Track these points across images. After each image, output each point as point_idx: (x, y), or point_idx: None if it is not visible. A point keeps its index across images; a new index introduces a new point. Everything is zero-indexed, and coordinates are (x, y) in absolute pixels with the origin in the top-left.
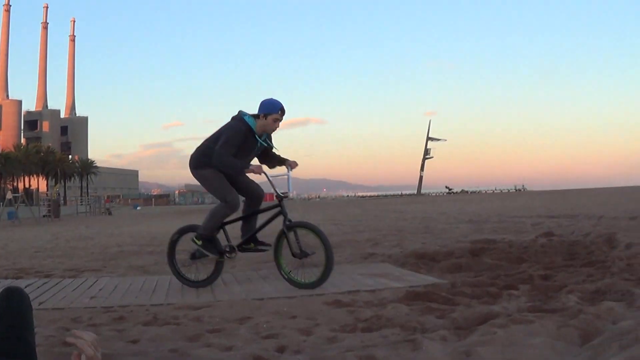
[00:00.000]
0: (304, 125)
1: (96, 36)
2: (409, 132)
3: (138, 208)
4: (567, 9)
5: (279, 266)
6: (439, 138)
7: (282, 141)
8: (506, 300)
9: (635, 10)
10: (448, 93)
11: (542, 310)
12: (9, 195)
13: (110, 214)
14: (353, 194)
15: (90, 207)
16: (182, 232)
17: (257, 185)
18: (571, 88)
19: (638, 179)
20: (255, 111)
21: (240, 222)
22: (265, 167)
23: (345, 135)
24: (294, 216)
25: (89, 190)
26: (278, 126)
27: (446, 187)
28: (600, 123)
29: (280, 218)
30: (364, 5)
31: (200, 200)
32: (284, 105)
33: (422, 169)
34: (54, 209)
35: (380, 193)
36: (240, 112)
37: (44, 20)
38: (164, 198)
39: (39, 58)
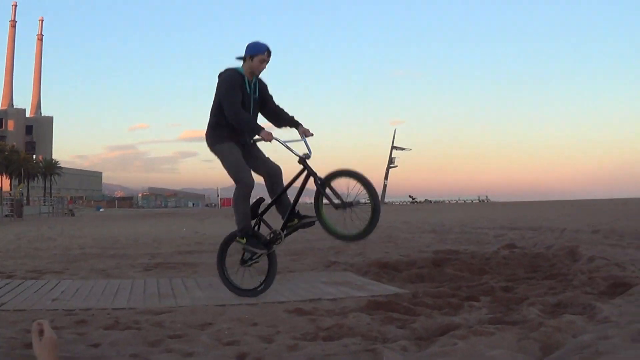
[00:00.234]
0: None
1: (64, 36)
2: (374, 141)
3: (101, 210)
4: (535, 21)
5: (326, 227)
6: (404, 147)
7: None
8: (467, 312)
9: (599, 24)
10: (414, 102)
11: (503, 322)
12: None
13: (73, 215)
14: None
15: (53, 207)
16: (229, 241)
17: (272, 161)
18: (536, 101)
19: (601, 192)
20: None
21: (274, 209)
22: (276, 133)
23: (309, 141)
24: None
25: (52, 191)
26: (264, 67)
27: (410, 196)
28: (565, 136)
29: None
30: (330, 12)
31: (163, 204)
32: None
33: (386, 177)
34: (17, 209)
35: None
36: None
37: (12, 19)
38: (127, 201)
39: (6, 56)
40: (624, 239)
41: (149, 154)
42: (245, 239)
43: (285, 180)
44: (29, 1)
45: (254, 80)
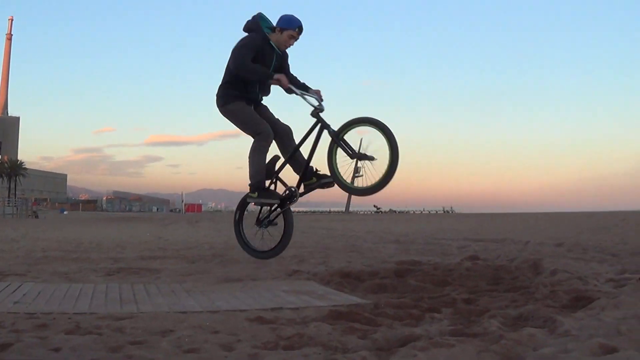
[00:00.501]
0: (235, 137)
1: (34, 37)
2: (341, 150)
3: (65, 212)
4: (500, 34)
5: (338, 181)
6: (370, 157)
7: (214, 152)
8: (428, 323)
9: (565, 34)
10: (380, 112)
11: (464, 334)
12: None
13: (37, 217)
14: None
15: (17, 209)
16: (245, 201)
17: (282, 122)
18: (502, 113)
19: (567, 205)
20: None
21: (289, 167)
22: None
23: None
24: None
25: (16, 192)
26: (292, 44)
27: (374, 206)
28: (529, 148)
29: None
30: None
31: (127, 208)
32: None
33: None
34: None
35: (308, 209)
36: (259, 14)
37: None
38: (92, 204)
39: None
40: (588, 253)
41: (114, 157)
42: (256, 193)
43: (297, 138)
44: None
45: (278, 52)
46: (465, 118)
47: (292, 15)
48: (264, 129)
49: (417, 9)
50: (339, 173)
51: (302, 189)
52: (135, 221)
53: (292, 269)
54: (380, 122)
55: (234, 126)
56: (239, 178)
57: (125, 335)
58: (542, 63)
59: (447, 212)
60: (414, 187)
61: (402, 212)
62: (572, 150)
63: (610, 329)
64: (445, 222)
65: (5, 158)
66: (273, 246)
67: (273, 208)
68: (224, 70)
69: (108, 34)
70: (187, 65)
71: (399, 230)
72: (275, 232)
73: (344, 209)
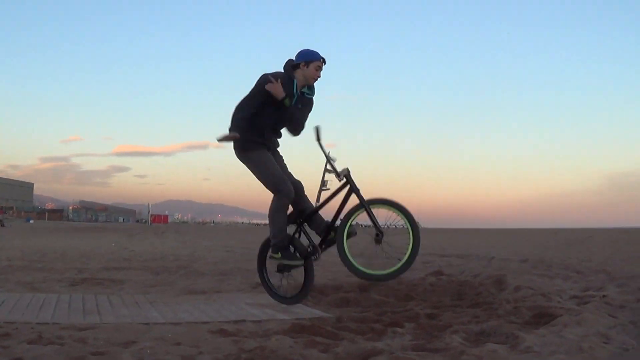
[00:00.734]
0: (203, 149)
1: (1, 44)
2: (307, 162)
3: (31, 221)
4: (470, 46)
5: (343, 255)
6: (335, 170)
7: (181, 163)
8: (390, 338)
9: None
10: (347, 126)
11: (425, 349)
12: None
13: (3, 225)
14: (248, 221)
15: None
16: (265, 247)
17: (293, 176)
18: (468, 129)
19: (532, 221)
20: None
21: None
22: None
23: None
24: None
25: None
26: (320, 76)
27: (341, 219)
28: (496, 165)
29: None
30: (263, 32)
31: (93, 218)
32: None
33: (317, 199)
34: None
35: None
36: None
37: None
38: (58, 213)
39: None
40: (552, 269)
41: (81, 166)
42: (279, 254)
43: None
44: None
45: (304, 89)
46: (431, 133)
47: (311, 49)
48: (286, 187)
49: (385, 23)
50: (348, 253)
51: (323, 247)
52: (101, 231)
53: (257, 282)
54: (410, 214)
55: (203, 139)
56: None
57: (87, 345)
58: (510, 80)
59: None
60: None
61: (367, 226)
62: (538, 167)
63: (572, 346)
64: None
65: None
66: (291, 295)
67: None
68: (238, 105)
69: (78, 43)
70: (157, 76)
71: (364, 245)
72: (297, 274)
73: None
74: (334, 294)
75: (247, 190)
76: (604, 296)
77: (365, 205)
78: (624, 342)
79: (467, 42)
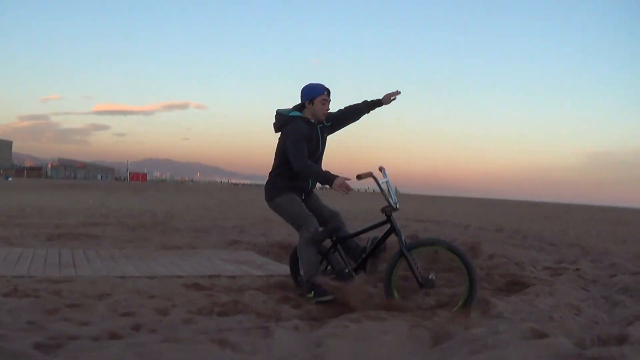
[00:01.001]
0: (183, 109)
1: None
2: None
3: (10, 179)
4: (454, 16)
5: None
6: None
7: (161, 122)
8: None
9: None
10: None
11: (397, 309)
12: None
13: None
14: (226, 181)
15: None
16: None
17: (329, 208)
18: (452, 99)
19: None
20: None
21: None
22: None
23: (224, 122)
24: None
25: None
26: (328, 108)
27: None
28: (481, 135)
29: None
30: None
31: (72, 175)
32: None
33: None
34: None
35: (253, 182)
36: (278, 112)
37: None
38: (37, 171)
39: None
40: (527, 240)
41: (60, 125)
42: (312, 293)
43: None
44: None
45: (320, 126)
46: (415, 101)
47: (310, 83)
48: (307, 221)
49: None
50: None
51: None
52: (80, 189)
53: (233, 239)
54: (461, 252)
55: (183, 98)
56: (185, 149)
57: (62, 298)
58: (495, 52)
59: None
60: (360, 166)
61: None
62: (520, 141)
63: (542, 315)
64: None
65: None
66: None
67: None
68: (273, 163)
69: (58, 0)
70: (138, 34)
71: (342, 207)
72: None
73: None
74: None
75: (226, 151)
76: (577, 269)
77: (406, 253)
78: (595, 316)
79: (452, 14)
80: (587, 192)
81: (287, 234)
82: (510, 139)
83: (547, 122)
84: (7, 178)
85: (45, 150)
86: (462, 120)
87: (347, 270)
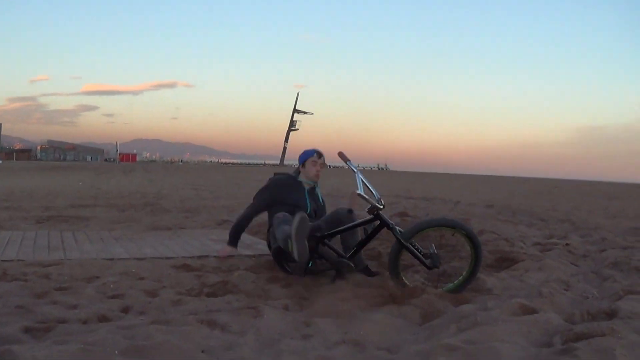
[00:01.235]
0: (171, 88)
1: None
2: (277, 103)
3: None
4: None
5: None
6: (306, 111)
7: (149, 102)
8: (350, 276)
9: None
10: (318, 67)
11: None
12: None
13: None
14: (216, 160)
15: None
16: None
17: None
18: (441, 74)
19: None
20: None
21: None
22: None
23: (212, 101)
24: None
25: None
26: (319, 169)
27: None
28: (468, 110)
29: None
30: None
31: (62, 157)
32: (320, 150)
33: (286, 140)
34: None
35: (243, 161)
36: (275, 176)
37: None
38: (26, 153)
39: None
40: (517, 216)
41: (49, 106)
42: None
43: None
44: None
45: (315, 186)
46: (404, 77)
47: (305, 150)
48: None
49: None
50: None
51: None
52: (69, 170)
53: (222, 219)
54: (461, 224)
55: (171, 78)
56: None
57: (51, 281)
58: (483, 27)
59: (382, 169)
60: (350, 144)
61: (337, 167)
62: (509, 116)
63: (532, 290)
64: (379, 178)
65: None
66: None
67: None
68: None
69: None
70: (126, 14)
71: (331, 184)
72: None
73: (278, 162)
74: None
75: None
76: (567, 244)
77: (405, 244)
78: (585, 291)
79: None
80: (577, 167)
81: None
82: (499, 114)
83: (535, 96)
84: None
85: (34, 132)
86: (450, 95)
87: (344, 260)
